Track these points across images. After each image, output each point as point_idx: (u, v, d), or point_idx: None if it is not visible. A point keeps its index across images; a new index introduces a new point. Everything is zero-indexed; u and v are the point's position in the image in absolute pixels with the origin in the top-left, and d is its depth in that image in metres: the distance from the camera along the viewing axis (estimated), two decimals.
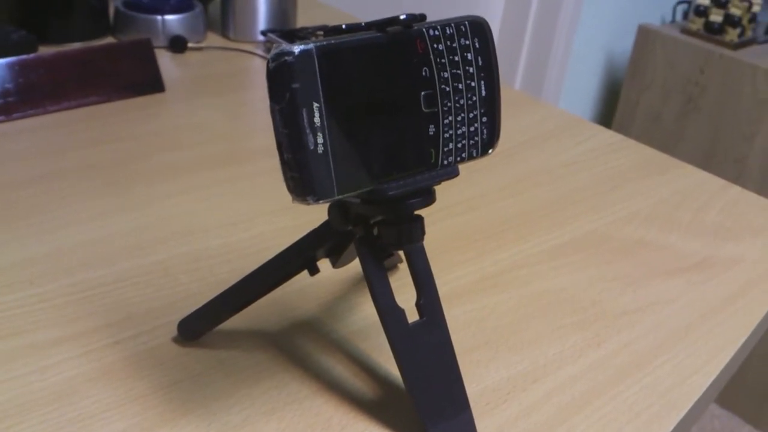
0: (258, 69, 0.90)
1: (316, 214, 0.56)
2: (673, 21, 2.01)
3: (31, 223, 0.56)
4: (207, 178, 0.65)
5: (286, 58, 0.32)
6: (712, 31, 1.78)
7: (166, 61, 0.88)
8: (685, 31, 1.82)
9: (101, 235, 0.55)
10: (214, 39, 0.96)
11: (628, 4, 1.98)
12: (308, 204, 0.34)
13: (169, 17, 0.90)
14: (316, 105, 0.33)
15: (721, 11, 1.77)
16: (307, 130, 0.33)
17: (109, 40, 0.91)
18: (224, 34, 0.97)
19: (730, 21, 1.75)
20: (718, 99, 1.77)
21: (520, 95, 0.90)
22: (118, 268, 0.52)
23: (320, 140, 0.33)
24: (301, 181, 0.33)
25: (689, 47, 1.79)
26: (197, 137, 0.72)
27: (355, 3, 1.35)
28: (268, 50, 0.93)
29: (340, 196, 0.34)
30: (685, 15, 2.08)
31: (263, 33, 0.94)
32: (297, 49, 0.32)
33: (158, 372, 0.44)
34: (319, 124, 0.33)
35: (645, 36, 1.86)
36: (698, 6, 1.80)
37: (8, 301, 0.48)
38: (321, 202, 0.34)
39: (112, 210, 0.59)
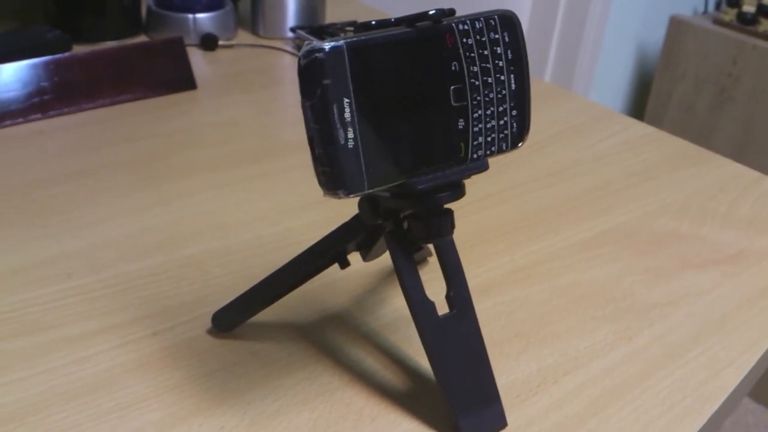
0: (287, 65, 0.90)
1: (346, 208, 0.56)
2: (706, 12, 1.99)
3: (67, 218, 0.57)
4: (238, 174, 0.65)
5: (317, 54, 0.32)
6: (745, 22, 1.75)
7: (197, 58, 0.89)
8: (718, 21, 1.80)
9: (136, 230, 0.56)
10: (244, 36, 0.97)
11: None
12: (339, 198, 0.34)
13: (200, 15, 0.91)
14: (346, 101, 0.33)
15: (755, 1, 1.74)
16: (338, 126, 0.33)
17: (142, 38, 0.93)
18: (254, 31, 0.98)
19: (764, 11, 1.72)
20: (751, 90, 1.75)
21: (550, 87, 0.90)
22: (153, 262, 0.53)
23: (351, 135, 0.34)
24: (332, 175, 0.34)
25: (722, 38, 1.76)
26: (228, 134, 0.72)
27: None
28: (297, 47, 0.94)
29: (371, 190, 0.35)
30: (718, 5, 2.05)
31: (292, 30, 0.95)
32: (327, 45, 0.32)
33: (194, 362, 0.45)
34: (349, 120, 0.33)
35: (677, 27, 1.84)
36: None
37: (46, 294, 0.49)
38: (351, 196, 0.34)
39: (146, 205, 0.60)
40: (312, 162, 0.34)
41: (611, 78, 2.02)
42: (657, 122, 1.96)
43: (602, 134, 0.79)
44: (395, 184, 0.36)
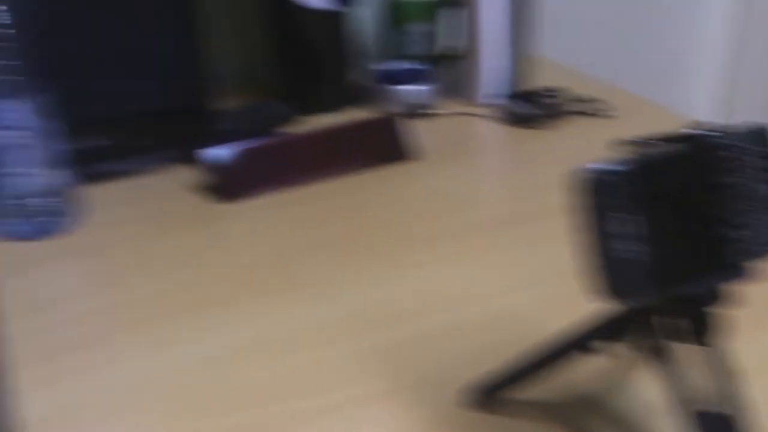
0: (499, 133, 0.93)
1: (573, 284, 0.57)
2: None
3: (315, 289, 0.64)
4: (461, 246, 0.69)
5: (604, 176, 0.36)
6: None
7: (409, 129, 0.94)
8: None
9: (378, 300, 0.62)
10: (454, 105, 1.02)
11: None
12: (621, 305, 0.37)
13: (409, 87, 0.98)
14: (628, 216, 0.36)
15: None
16: (619, 239, 0.36)
17: (356, 111, 1.00)
18: (463, 99, 1.02)
19: None
20: None
21: None
22: (397, 333, 0.58)
23: (632, 247, 0.36)
24: (613, 284, 0.37)
25: None
26: (449, 205, 0.77)
27: (586, 59, 1.34)
28: (508, 113, 0.96)
29: (648, 300, 0.37)
30: None
31: (503, 97, 0.98)
32: (615, 167, 0.36)
33: None
34: (631, 233, 0.36)
35: None
36: None
37: (300, 363, 0.55)
38: (631, 304, 0.37)
39: (374, 277, 0.65)
40: (590, 271, 0.37)
41: None
42: None
43: None
44: (671, 292, 0.38)
